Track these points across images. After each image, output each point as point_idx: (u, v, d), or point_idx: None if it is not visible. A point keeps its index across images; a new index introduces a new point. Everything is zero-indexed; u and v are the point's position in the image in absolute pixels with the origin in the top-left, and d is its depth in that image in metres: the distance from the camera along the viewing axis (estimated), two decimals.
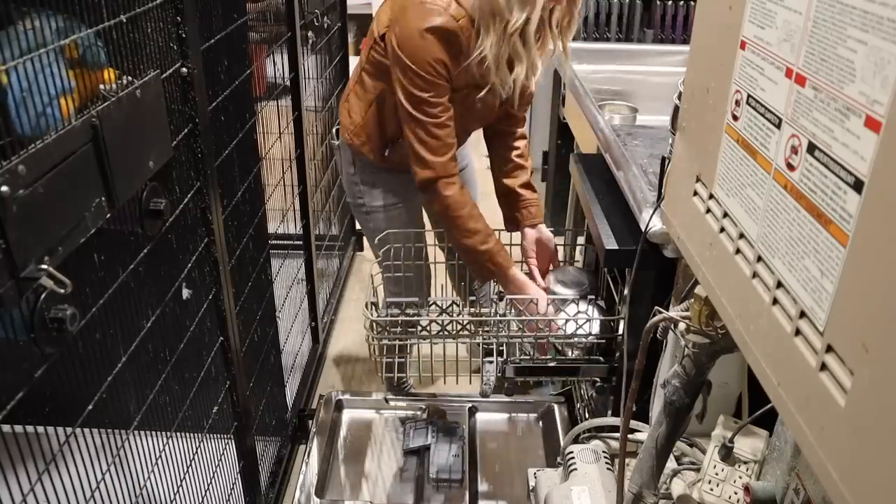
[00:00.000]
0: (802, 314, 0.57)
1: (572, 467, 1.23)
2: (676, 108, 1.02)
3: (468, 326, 1.52)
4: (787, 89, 0.61)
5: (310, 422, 1.99)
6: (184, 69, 1.09)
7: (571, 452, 1.26)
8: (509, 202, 1.78)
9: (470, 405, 2.03)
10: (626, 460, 1.04)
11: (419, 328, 1.54)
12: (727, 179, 0.73)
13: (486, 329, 1.53)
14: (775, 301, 0.62)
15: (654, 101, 2.23)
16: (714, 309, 0.80)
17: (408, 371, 1.84)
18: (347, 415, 2.05)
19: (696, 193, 0.81)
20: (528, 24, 1.43)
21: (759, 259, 0.65)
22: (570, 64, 1.84)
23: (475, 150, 2.04)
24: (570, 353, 1.56)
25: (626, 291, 1.41)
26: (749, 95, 0.68)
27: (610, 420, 1.38)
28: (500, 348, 1.54)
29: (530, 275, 1.70)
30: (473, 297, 1.85)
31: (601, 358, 1.55)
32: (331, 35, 2.54)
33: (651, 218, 1.21)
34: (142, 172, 0.96)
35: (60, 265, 0.76)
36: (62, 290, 0.75)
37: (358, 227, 3.16)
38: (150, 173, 0.98)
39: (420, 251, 1.75)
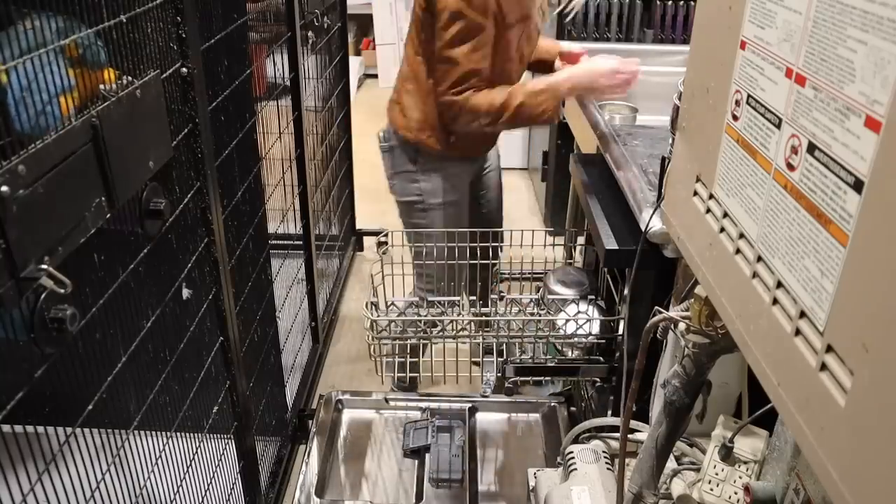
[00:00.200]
0: (802, 314, 0.57)
1: (572, 467, 1.23)
2: (676, 108, 1.02)
3: (468, 326, 1.52)
4: (787, 89, 0.61)
5: (310, 422, 1.99)
6: (184, 69, 1.09)
7: (571, 452, 1.26)
8: (541, 67, 1.94)
9: (470, 405, 2.03)
10: (626, 460, 1.04)
11: (419, 328, 1.54)
12: (727, 179, 0.73)
13: (487, 329, 1.53)
14: (775, 301, 0.62)
15: (654, 101, 2.23)
16: (714, 309, 0.80)
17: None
18: (347, 415, 2.05)
19: (696, 193, 0.81)
20: None
21: (759, 259, 0.65)
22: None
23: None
24: (570, 353, 1.56)
25: (626, 291, 1.41)
26: (749, 95, 0.68)
27: (610, 420, 1.38)
28: (500, 348, 1.54)
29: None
30: (474, 297, 1.85)
31: (601, 358, 1.55)
32: (331, 35, 2.54)
33: (651, 218, 1.21)
34: (142, 172, 0.96)
35: (60, 265, 0.76)
36: (62, 290, 0.75)
37: (358, 226, 3.17)
38: (150, 173, 0.98)
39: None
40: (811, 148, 0.57)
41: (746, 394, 1.21)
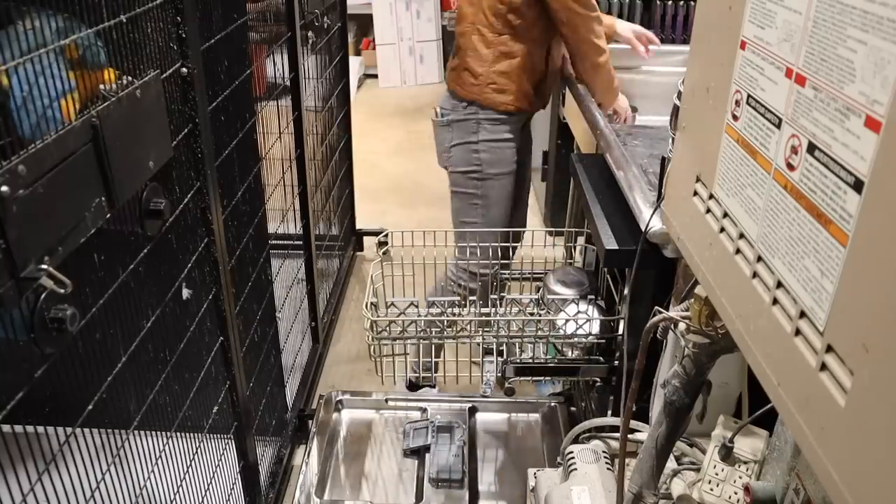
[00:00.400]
0: (802, 314, 0.57)
1: (572, 467, 1.23)
2: (676, 108, 1.02)
3: (467, 326, 1.52)
4: (787, 89, 0.61)
5: (310, 422, 1.99)
6: (184, 69, 1.10)
7: (571, 452, 1.26)
8: None
9: (470, 405, 2.03)
10: (626, 460, 1.03)
11: (418, 328, 1.54)
12: (727, 179, 0.73)
13: (487, 329, 1.53)
14: (775, 301, 0.62)
15: (654, 101, 2.23)
16: (714, 309, 0.80)
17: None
18: (347, 415, 2.05)
19: (696, 193, 0.81)
20: None
21: (759, 259, 0.65)
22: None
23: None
24: (570, 353, 1.56)
25: (626, 291, 1.41)
26: (749, 95, 0.68)
27: (610, 420, 1.38)
28: (500, 348, 1.54)
29: None
30: (473, 298, 1.85)
31: (601, 358, 1.55)
32: (331, 35, 2.54)
33: (651, 218, 1.21)
34: (142, 172, 0.96)
35: (60, 265, 0.76)
36: (62, 290, 0.75)
37: (358, 226, 3.16)
38: (150, 173, 0.98)
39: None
40: (811, 148, 0.57)
41: (746, 394, 1.21)
